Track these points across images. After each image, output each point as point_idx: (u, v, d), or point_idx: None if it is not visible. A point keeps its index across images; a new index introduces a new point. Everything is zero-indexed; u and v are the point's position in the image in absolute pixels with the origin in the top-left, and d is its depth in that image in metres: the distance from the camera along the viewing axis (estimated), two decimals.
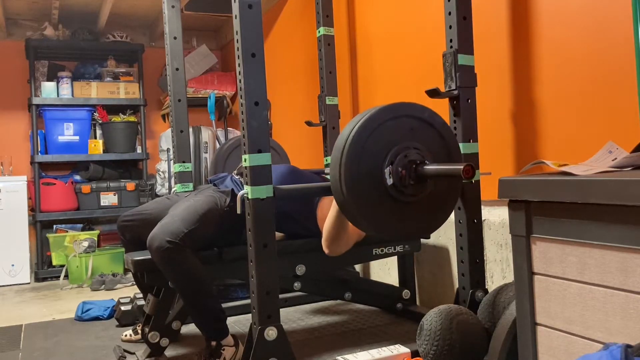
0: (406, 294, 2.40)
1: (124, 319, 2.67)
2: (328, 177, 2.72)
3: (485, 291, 1.92)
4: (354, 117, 1.64)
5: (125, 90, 4.55)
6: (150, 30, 4.93)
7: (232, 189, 2.06)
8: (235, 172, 2.22)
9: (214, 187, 2.18)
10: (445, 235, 2.37)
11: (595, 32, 1.72)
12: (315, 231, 2.10)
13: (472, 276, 1.92)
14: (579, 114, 1.80)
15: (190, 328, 2.34)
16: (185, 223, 1.90)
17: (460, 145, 1.92)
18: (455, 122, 1.92)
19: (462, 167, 1.50)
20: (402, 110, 1.65)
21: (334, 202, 1.84)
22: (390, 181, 1.59)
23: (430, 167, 1.60)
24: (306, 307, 2.68)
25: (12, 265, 4.07)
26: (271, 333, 1.67)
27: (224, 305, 2.05)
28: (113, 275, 3.81)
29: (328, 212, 2.01)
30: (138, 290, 2.59)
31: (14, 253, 4.08)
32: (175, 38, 2.81)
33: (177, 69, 2.79)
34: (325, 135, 2.91)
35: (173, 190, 2.83)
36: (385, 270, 2.76)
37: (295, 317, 2.53)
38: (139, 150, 4.62)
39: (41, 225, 4.29)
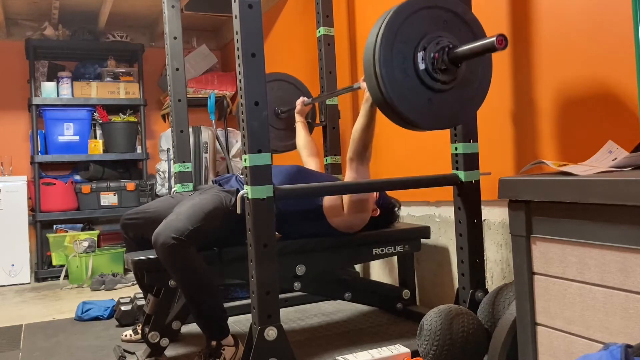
0: (406, 294, 2.40)
1: (124, 319, 2.67)
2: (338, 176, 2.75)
3: (485, 291, 1.92)
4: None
5: (125, 90, 4.55)
6: (150, 30, 4.93)
7: (237, 189, 2.06)
8: (241, 171, 2.22)
9: (218, 187, 2.18)
10: (445, 235, 2.37)
11: (596, 31, 1.72)
12: (315, 231, 2.11)
13: (472, 276, 1.92)
14: (579, 114, 1.80)
15: (190, 328, 2.35)
16: (191, 220, 1.91)
17: (461, 145, 1.93)
18: None
19: (494, 38, 1.43)
20: (436, 0, 1.60)
21: (364, 102, 1.87)
22: (422, 65, 1.55)
23: (463, 48, 1.54)
24: (306, 307, 2.68)
25: (12, 265, 4.07)
26: (271, 333, 1.67)
27: (224, 305, 2.05)
28: (113, 275, 3.81)
29: (333, 200, 2.01)
30: (138, 290, 2.59)
31: (14, 253, 4.08)
32: (175, 38, 2.80)
33: (177, 69, 2.79)
34: (325, 135, 2.91)
35: (173, 190, 2.82)
36: (385, 270, 2.76)
37: (295, 317, 2.53)
38: (139, 150, 4.62)
39: (41, 225, 4.28)
